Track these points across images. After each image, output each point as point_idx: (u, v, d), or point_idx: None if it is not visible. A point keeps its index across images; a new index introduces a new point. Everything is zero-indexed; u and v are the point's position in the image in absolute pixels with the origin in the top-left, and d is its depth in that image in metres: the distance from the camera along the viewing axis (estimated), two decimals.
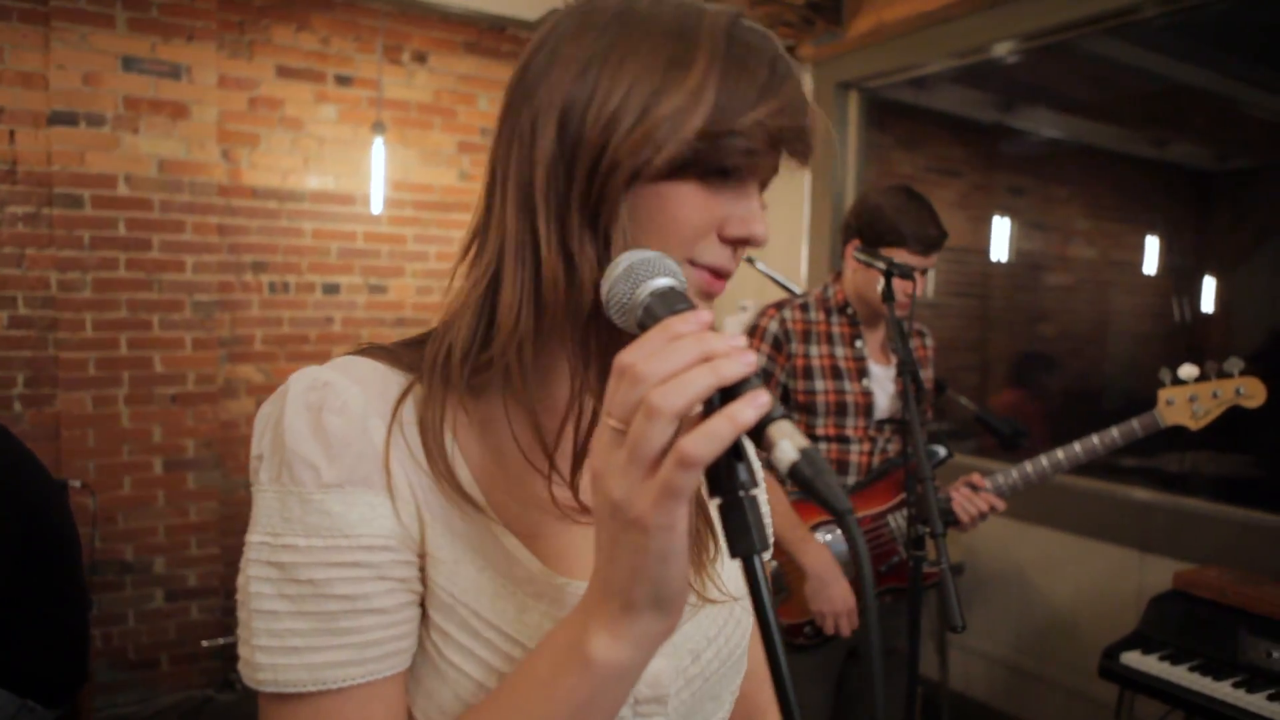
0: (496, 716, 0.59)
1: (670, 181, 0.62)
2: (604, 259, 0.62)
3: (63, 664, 2.10)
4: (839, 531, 1.98)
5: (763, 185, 0.67)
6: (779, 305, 2.08)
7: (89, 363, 3.34)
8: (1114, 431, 1.88)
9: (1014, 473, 1.96)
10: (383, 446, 0.63)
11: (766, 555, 0.55)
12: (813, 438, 2.03)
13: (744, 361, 0.50)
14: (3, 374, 3.29)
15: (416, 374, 0.67)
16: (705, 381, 0.49)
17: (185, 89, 3.42)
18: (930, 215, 1.93)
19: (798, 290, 2.34)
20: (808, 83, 3.72)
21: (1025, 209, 4.57)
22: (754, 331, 2.06)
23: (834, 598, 1.89)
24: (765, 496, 0.89)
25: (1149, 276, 4.04)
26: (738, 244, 0.65)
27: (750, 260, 2.59)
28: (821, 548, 1.93)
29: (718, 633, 0.74)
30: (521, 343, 0.64)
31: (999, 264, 4.40)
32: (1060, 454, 1.93)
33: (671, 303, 0.56)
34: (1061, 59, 3.39)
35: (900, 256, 1.92)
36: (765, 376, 2.02)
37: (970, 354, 4.82)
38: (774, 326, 2.04)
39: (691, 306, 0.55)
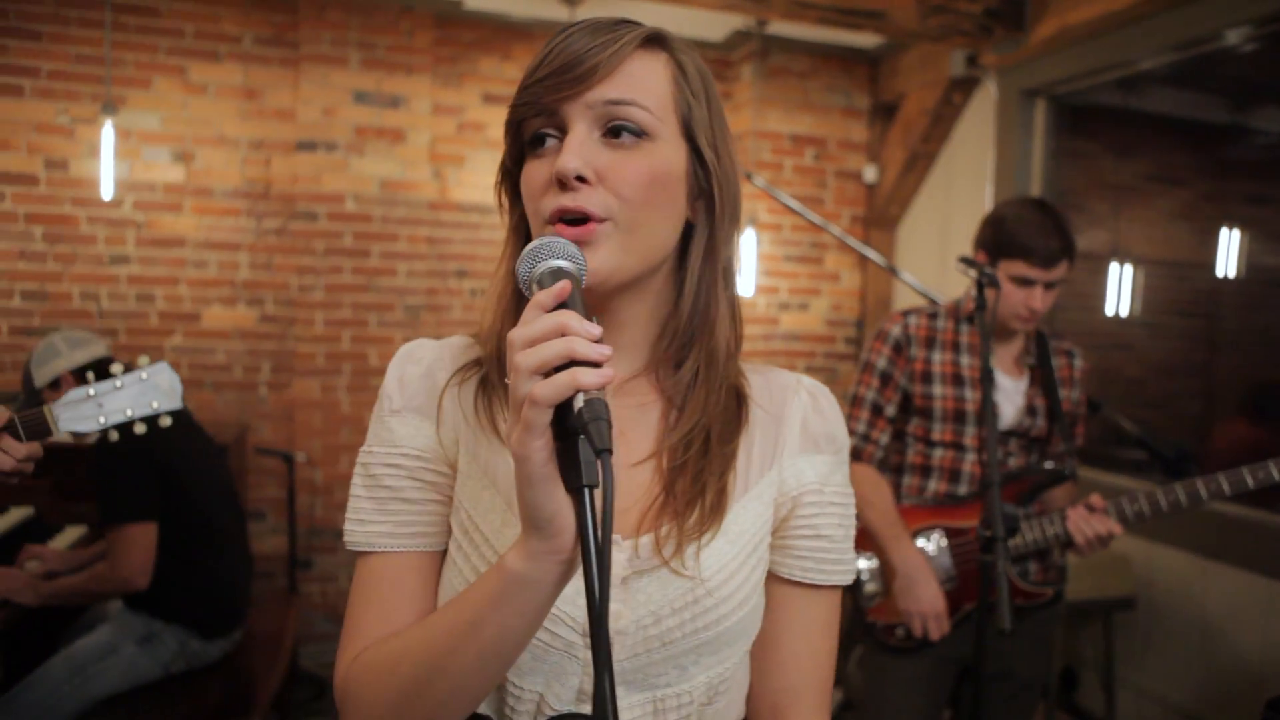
0: (449, 605, 0.75)
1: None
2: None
3: (222, 609, 2.54)
4: (934, 540, 1.95)
5: (601, 126, 0.77)
6: (906, 312, 2.09)
7: (318, 355, 3.88)
8: (1271, 465, 1.73)
9: (1142, 499, 1.83)
10: (440, 388, 0.85)
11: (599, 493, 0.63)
12: (929, 443, 2.01)
13: (599, 351, 0.62)
14: (254, 362, 3.91)
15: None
16: (556, 350, 0.62)
17: (403, 116, 3.88)
18: (1055, 228, 1.86)
19: (940, 300, 2.32)
20: (991, 91, 3.60)
21: (1270, 219, 4.11)
22: (879, 335, 2.08)
23: (921, 597, 1.85)
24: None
25: None
26: (561, 184, 0.76)
27: (894, 271, 2.59)
28: (914, 548, 1.91)
29: (684, 607, 0.80)
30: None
31: (1230, 280, 3.99)
32: (1200, 485, 1.78)
33: (552, 281, 0.69)
34: None
35: (1019, 269, 1.87)
36: (884, 379, 2.03)
37: (1192, 379, 4.40)
38: (896, 331, 2.06)
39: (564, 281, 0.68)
